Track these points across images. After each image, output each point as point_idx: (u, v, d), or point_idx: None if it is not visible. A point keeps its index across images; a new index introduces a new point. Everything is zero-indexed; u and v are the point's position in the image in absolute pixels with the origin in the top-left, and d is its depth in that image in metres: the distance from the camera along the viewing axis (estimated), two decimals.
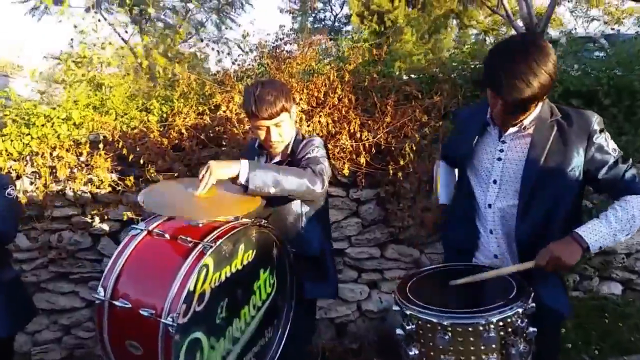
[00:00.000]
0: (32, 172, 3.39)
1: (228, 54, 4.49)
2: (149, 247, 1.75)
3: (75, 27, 3.98)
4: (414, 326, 1.57)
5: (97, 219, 3.43)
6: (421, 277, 1.82)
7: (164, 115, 3.52)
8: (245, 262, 1.80)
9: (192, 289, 1.56)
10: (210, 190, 1.82)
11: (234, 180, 1.81)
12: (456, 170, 2.01)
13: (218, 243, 1.64)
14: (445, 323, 1.50)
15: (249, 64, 3.84)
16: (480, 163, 1.79)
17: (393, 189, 3.23)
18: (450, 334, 1.50)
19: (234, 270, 1.75)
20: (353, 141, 2.99)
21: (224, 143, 3.21)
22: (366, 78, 3.29)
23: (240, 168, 1.79)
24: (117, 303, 1.62)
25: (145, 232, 1.78)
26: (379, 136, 3.02)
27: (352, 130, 3.00)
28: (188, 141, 3.22)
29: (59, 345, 3.41)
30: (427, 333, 1.54)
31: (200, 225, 1.79)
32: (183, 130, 3.27)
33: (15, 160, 3.36)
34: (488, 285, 1.70)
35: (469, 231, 1.83)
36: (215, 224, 1.80)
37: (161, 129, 3.39)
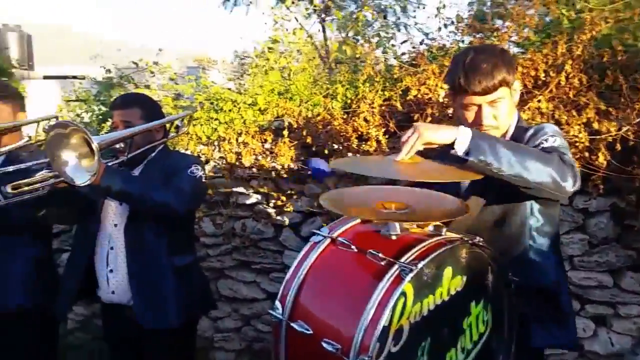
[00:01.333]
0: (220, 157, 3.46)
1: (404, 41, 4.10)
2: (332, 260, 1.48)
3: (272, 8, 3.97)
4: None
5: (279, 209, 3.37)
6: None
7: (348, 101, 3.28)
8: (452, 292, 1.41)
9: (387, 323, 1.23)
10: (414, 158, 1.43)
11: (447, 148, 1.41)
12: None
13: (420, 266, 1.28)
14: None
15: (440, 43, 3.38)
16: None
17: (637, 199, 2.48)
18: None
19: (438, 301, 1.38)
20: (587, 134, 2.35)
21: None
22: (605, 52, 2.57)
23: (458, 133, 1.38)
24: (295, 326, 1.38)
25: (329, 240, 1.51)
26: (626, 128, 2.31)
27: (586, 120, 2.35)
28: (374, 129, 2.91)
29: (239, 334, 3.46)
30: None
31: (394, 237, 1.45)
32: (368, 117, 2.98)
33: (204, 145, 3.46)
34: None
35: None
36: (411, 237, 1.45)
37: (345, 116, 3.16)
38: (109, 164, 1.88)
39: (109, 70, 4.04)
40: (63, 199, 1.92)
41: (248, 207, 3.42)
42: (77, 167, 1.68)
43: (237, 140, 3.34)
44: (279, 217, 3.38)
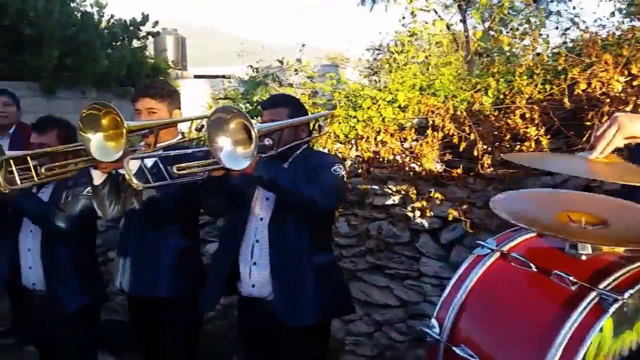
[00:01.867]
0: (357, 156, 3.37)
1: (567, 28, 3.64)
2: (503, 279, 1.29)
3: (409, 1, 3.78)
4: None
5: (417, 213, 3.18)
6: None
7: (500, 96, 2.99)
8: None
9: None
10: (611, 158, 1.19)
11: None
12: None
13: (626, 296, 1.03)
14: None
15: (614, 27, 2.93)
16: None
17: None
18: None
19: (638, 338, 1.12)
20: None
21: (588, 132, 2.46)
22: None
23: None
24: (457, 350, 1.21)
25: (498, 254, 1.31)
26: None
27: None
28: (533, 128, 2.60)
29: (371, 340, 3.34)
30: None
31: (584, 257, 1.21)
32: (527, 114, 2.67)
33: (341, 143, 3.40)
34: None
35: None
36: (607, 259, 1.20)
37: (496, 113, 2.88)
38: None
39: (256, 70, 4.15)
40: (215, 188, 1.97)
41: (384, 209, 3.29)
42: (233, 153, 1.71)
43: (375, 139, 3.22)
44: (416, 221, 3.19)
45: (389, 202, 3.28)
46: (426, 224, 3.15)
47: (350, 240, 3.40)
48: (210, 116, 1.73)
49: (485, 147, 2.77)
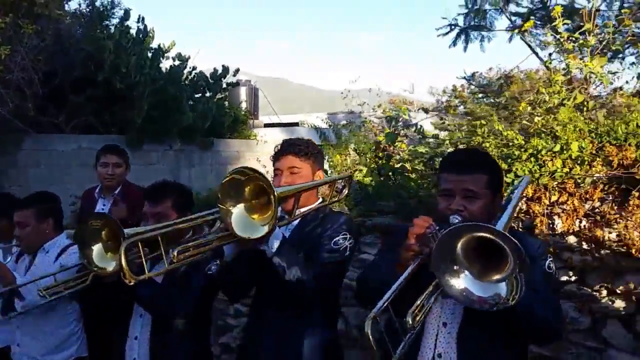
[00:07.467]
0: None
1: None
2: None
3: (550, 43, 3.15)
4: None
5: (604, 292, 2.46)
6: None
7: None
8: None
9: None
10: None
11: None
12: None
13: None
14: None
15: None
16: None
17: None
18: None
19: None
20: None
21: None
22: None
23: None
24: None
25: None
26: None
27: None
28: None
29: None
30: None
31: None
32: None
33: None
34: None
35: None
36: None
37: None
38: None
39: (355, 112, 3.58)
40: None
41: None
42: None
43: (548, 199, 2.54)
44: (602, 303, 2.44)
45: (563, 277, 2.56)
46: (617, 309, 2.39)
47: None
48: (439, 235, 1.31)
49: None
